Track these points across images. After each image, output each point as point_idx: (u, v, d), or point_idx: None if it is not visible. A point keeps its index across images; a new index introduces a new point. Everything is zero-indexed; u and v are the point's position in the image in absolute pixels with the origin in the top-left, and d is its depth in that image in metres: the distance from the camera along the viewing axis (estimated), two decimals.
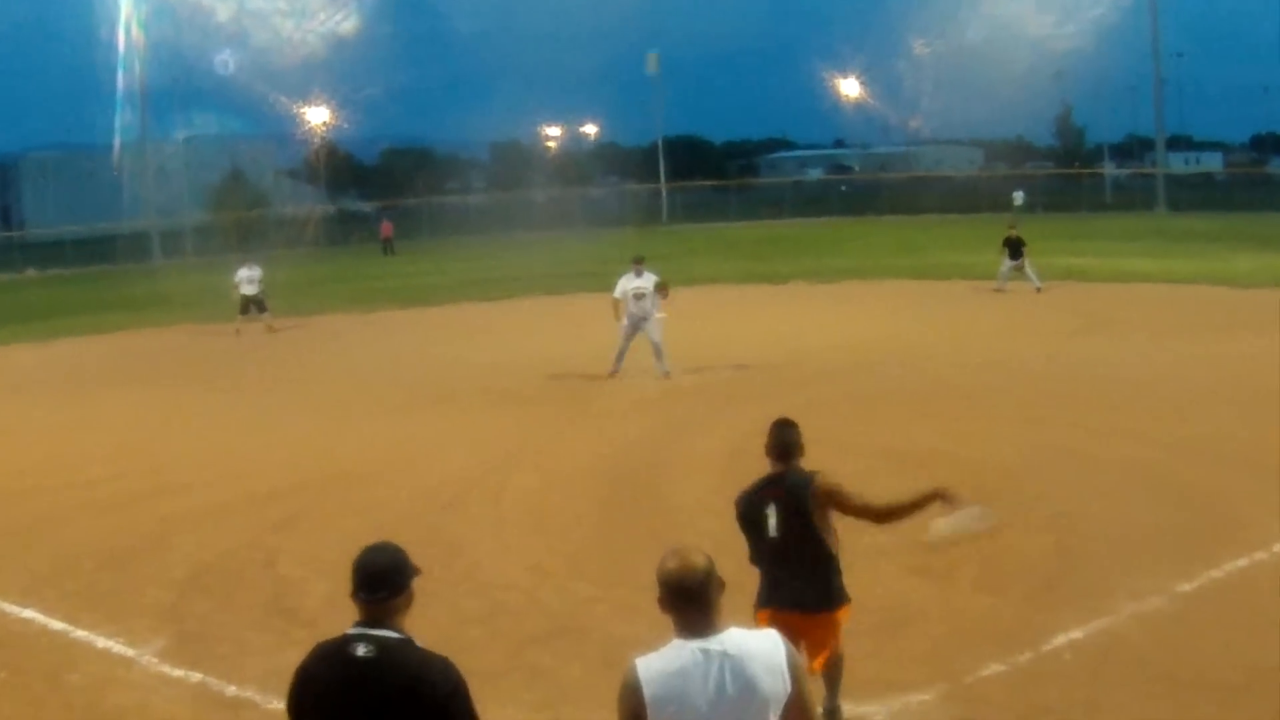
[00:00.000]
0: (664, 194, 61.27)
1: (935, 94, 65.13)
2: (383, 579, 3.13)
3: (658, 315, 14.31)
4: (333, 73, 63.86)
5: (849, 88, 68.55)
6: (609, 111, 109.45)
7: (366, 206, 68.15)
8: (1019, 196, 49.74)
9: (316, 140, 66.30)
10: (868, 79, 67.33)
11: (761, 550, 4.72)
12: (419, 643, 3.11)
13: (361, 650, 3.04)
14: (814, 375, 13.64)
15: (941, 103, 67.09)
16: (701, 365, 14.57)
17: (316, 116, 63.64)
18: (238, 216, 50.58)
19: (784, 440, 4.87)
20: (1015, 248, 21.56)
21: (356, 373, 15.63)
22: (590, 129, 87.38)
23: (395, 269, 35.22)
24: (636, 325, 14.12)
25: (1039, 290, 20.64)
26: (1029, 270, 21.22)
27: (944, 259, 28.12)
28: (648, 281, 14.28)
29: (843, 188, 70.87)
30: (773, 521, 4.67)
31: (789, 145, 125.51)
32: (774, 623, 4.34)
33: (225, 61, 58.72)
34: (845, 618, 4.81)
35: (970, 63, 58.57)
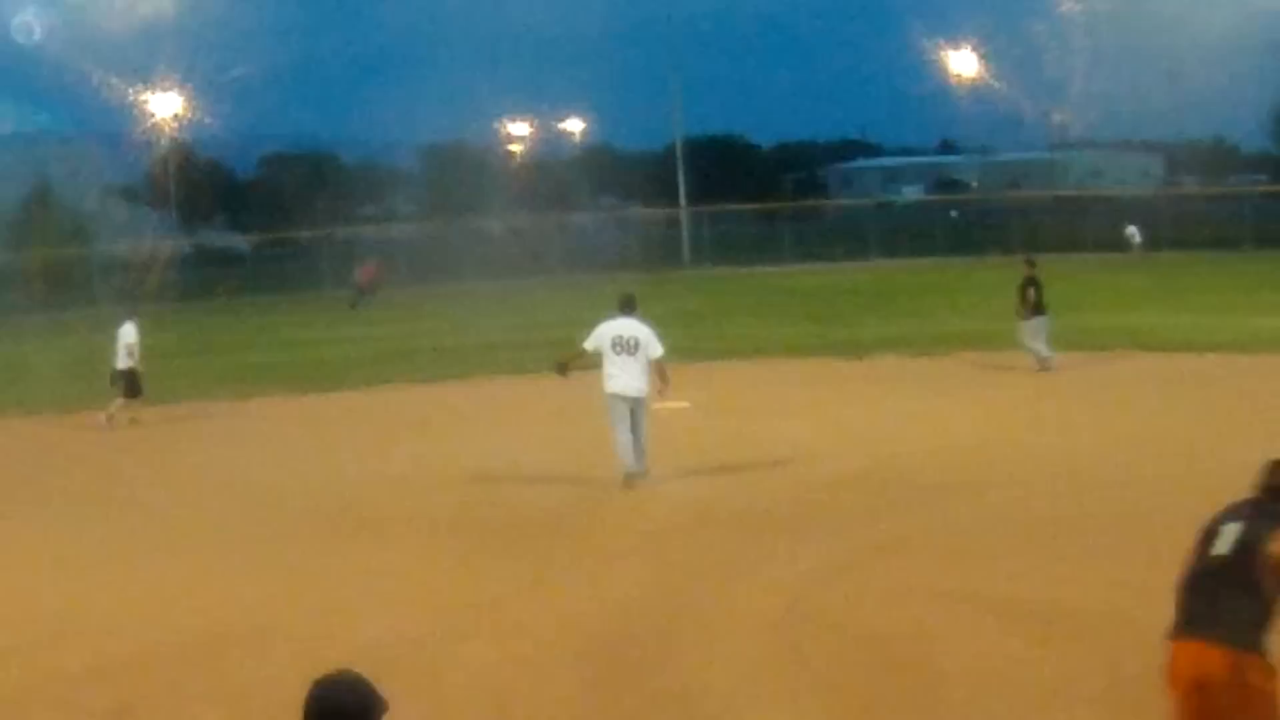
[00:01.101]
0: (685, 221, 62.12)
1: (1092, 75, 65.98)
2: None
3: (656, 394, 14.71)
4: (190, 43, 65.46)
5: (962, 64, 69.40)
6: (602, 100, 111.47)
7: (240, 240, 69.23)
8: (1134, 233, 50.50)
9: (164, 143, 67.39)
10: (990, 52, 68.23)
11: (1198, 568, 6.19)
12: None
13: None
14: (905, 494, 13.87)
15: (1101, 88, 67.90)
16: (740, 477, 14.82)
17: (164, 107, 64.94)
18: (44, 256, 51.24)
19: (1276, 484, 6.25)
20: (1040, 294, 22.33)
21: (230, 488, 15.89)
22: (574, 125, 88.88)
23: (287, 335, 35.71)
24: (625, 402, 14.50)
25: (1044, 365, 21.65)
26: (1038, 333, 21.99)
27: (1108, 321, 28.54)
28: (640, 330, 14.69)
29: (952, 212, 71.73)
30: (1229, 539, 6.08)
31: (870, 150, 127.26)
32: (1175, 655, 6.08)
33: (27, 26, 59.92)
34: (1257, 675, 5.95)
35: (1144, 30, 59.55)
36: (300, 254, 62.80)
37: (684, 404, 18.30)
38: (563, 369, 15.52)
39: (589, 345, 14.83)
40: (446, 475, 15.87)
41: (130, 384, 21.24)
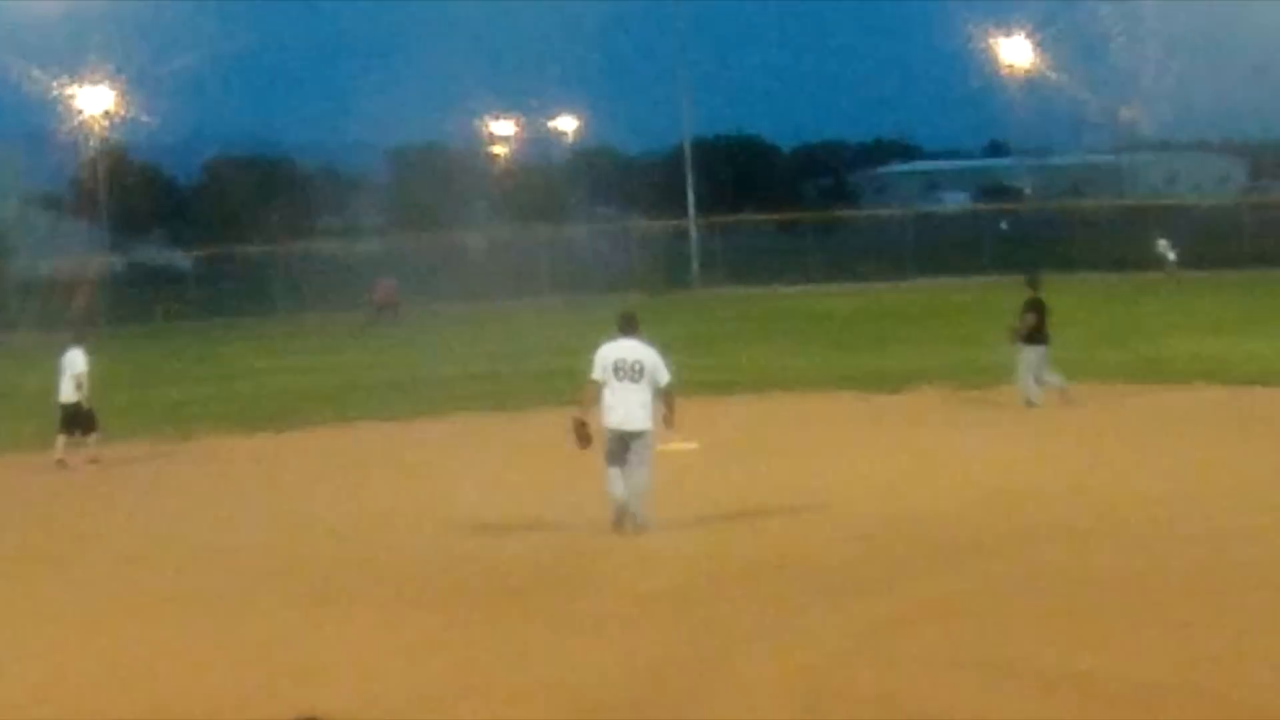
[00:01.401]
0: (694, 234, 62.25)
1: (1165, 66, 65.98)
2: None
3: (660, 429, 14.75)
4: (123, 30, 65.61)
5: (1014, 53, 69.45)
6: (599, 95, 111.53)
7: (180, 256, 69.32)
8: (1166, 249, 50.57)
9: (94, 144, 67.51)
10: (1047, 39, 68.20)
11: None
12: None
13: None
14: (945, 549, 13.86)
15: (1176, 81, 67.78)
16: (755, 529, 14.84)
17: (93, 103, 65.04)
18: None
19: None
20: (1042, 319, 22.55)
21: (177, 543, 15.83)
22: (566, 124, 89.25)
23: (235, 365, 35.73)
24: (624, 438, 14.55)
25: (1031, 402, 22.13)
26: (1035, 364, 22.25)
27: (1184, 347, 28.61)
28: (645, 354, 14.74)
29: (1003, 224, 71.78)
30: None
31: (908, 152, 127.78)
32: None
33: None
34: None
35: (1225, 16, 59.45)
36: (250, 272, 63.01)
37: (692, 445, 18.31)
38: (584, 436, 14.84)
39: (597, 374, 14.73)
40: (420, 527, 15.87)
41: (77, 420, 21.13)
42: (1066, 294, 44.20)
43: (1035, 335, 22.49)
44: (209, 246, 69.72)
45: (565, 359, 27.19)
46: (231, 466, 21.14)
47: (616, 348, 14.84)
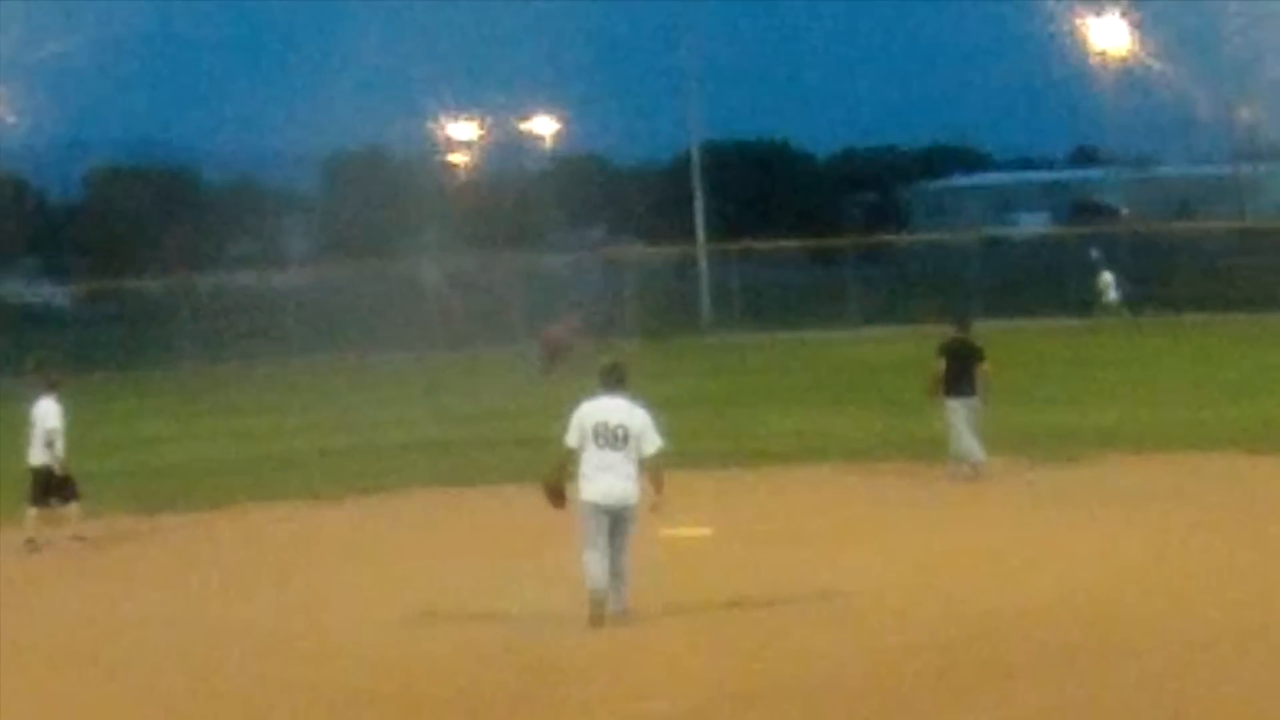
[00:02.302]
0: (703, 264, 62.32)
1: None
2: None
3: (651, 510, 14.98)
4: None
5: (1107, 40, 68.92)
6: (586, 91, 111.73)
7: (57, 291, 69.28)
8: (1109, 284, 51.52)
9: None
10: (1147, 23, 67.84)
11: None
12: None
13: None
14: (1017, 660, 13.94)
15: None
16: (779, 634, 14.95)
17: None
18: None
19: None
20: (962, 366, 23.33)
21: (69, 659, 15.88)
22: (542, 126, 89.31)
23: (127, 430, 35.67)
24: (606, 514, 14.84)
25: (974, 465, 22.96)
26: (968, 429, 23.03)
27: None
28: (632, 416, 15.02)
29: (1093, 251, 71.82)
30: None
31: (973, 161, 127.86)
32: None
33: None
34: None
35: None
36: (144, 311, 62.88)
37: (704, 530, 18.42)
38: (558, 497, 15.42)
39: (572, 440, 15.06)
40: (359, 636, 15.89)
41: (49, 486, 21.28)
42: (1170, 338, 44.44)
43: (957, 386, 23.21)
44: (92, 279, 69.92)
45: (536, 422, 27.37)
46: (124, 557, 21.20)
47: (598, 407, 15.10)
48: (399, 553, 20.30)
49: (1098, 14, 67.83)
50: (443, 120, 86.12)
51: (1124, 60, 69.26)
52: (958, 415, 23.18)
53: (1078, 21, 68.67)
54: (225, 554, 21.15)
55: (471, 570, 18.63)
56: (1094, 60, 69.55)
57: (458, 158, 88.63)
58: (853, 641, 14.85)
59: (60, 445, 21.36)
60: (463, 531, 21.32)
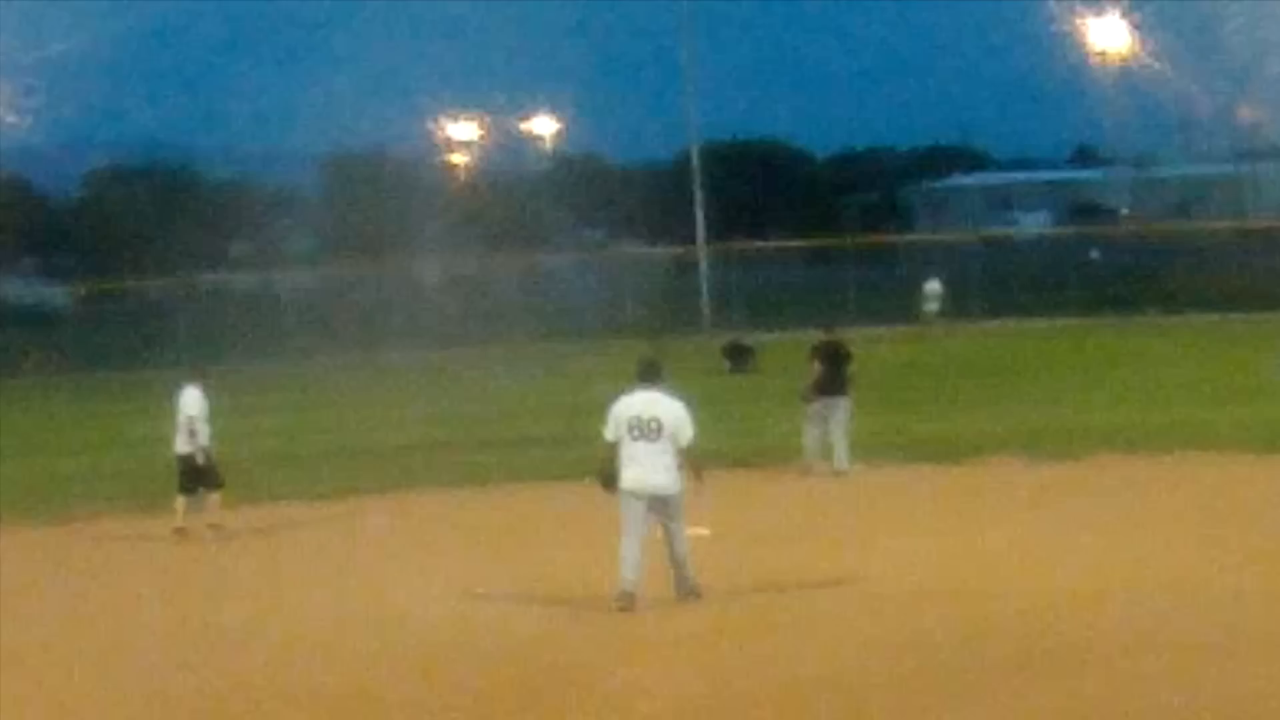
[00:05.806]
0: (703, 264, 62.31)
1: None
2: None
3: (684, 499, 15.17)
4: None
5: (1107, 38, 68.95)
6: (585, 91, 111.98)
7: (57, 291, 69.26)
8: (935, 292, 52.29)
9: None
10: (1147, 21, 67.82)
11: None
12: None
13: None
14: (1021, 660, 13.92)
15: None
16: (780, 634, 14.96)
17: None
18: None
19: None
20: (835, 368, 24.11)
21: (71, 674, 15.88)
22: (542, 127, 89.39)
23: (125, 430, 35.61)
24: (652, 503, 15.15)
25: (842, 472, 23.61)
26: (840, 430, 23.74)
27: None
28: (666, 408, 15.39)
29: (1093, 251, 72.03)
30: None
31: (973, 161, 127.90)
32: None
33: None
34: None
35: None
36: (145, 312, 62.96)
37: (703, 531, 18.39)
38: (610, 482, 15.80)
39: (610, 433, 15.55)
40: (367, 639, 15.85)
41: (194, 474, 21.52)
42: (1170, 338, 44.41)
43: (831, 386, 23.90)
44: (92, 280, 69.86)
45: (549, 420, 27.43)
46: (123, 561, 21.20)
47: (633, 401, 15.54)
48: (400, 552, 20.29)
49: (1098, 14, 67.94)
50: (443, 120, 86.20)
51: (1124, 60, 69.18)
52: (829, 414, 23.96)
53: (1078, 21, 68.73)
54: (215, 555, 21.12)
55: (471, 570, 18.62)
56: (1094, 60, 69.56)
57: (458, 158, 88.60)
58: (853, 640, 14.88)
59: (203, 433, 21.64)
60: (465, 531, 21.30)
